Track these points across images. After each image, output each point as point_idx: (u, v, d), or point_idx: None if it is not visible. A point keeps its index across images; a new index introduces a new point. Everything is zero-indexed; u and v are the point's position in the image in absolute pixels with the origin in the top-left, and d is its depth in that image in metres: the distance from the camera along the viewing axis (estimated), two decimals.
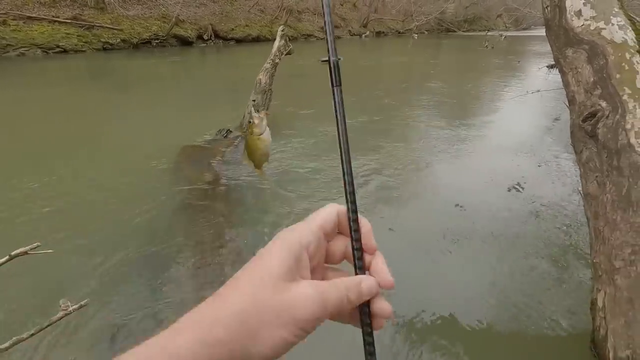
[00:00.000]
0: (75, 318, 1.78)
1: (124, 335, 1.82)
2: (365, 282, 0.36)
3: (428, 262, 2.42)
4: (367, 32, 24.27)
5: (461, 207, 3.04)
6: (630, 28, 1.78)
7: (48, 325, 1.25)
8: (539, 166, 3.94)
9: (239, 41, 17.52)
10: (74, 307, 1.27)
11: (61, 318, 1.26)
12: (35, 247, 0.93)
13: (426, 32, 27.65)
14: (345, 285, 0.35)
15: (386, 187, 3.43)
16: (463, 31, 30.21)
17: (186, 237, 2.62)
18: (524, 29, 27.07)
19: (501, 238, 2.64)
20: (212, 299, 0.32)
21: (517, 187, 3.43)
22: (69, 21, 13.06)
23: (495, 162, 4.10)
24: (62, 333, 1.78)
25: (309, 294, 0.32)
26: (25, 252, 0.92)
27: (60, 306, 1.26)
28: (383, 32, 26.04)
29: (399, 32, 26.67)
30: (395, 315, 1.94)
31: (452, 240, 2.61)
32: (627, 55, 1.71)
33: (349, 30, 23.27)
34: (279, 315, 0.31)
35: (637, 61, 1.70)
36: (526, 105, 6.46)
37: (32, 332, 1.23)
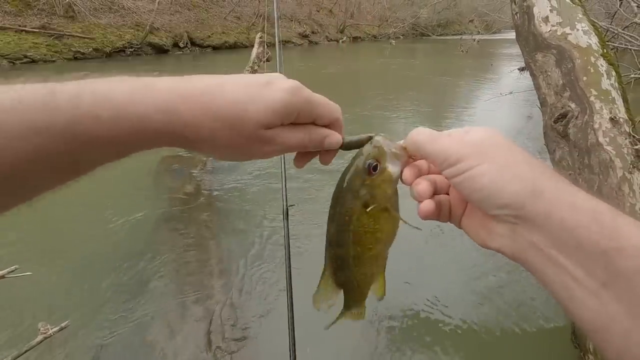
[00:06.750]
0: (57, 339, 1.70)
1: (108, 353, 1.77)
2: (330, 137, 0.42)
3: (412, 258, 2.46)
4: (344, 38, 24.56)
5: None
6: (593, 33, 1.88)
7: (27, 350, 1.20)
8: None
9: (215, 48, 17.33)
10: (55, 329, 1.22)
11: (41, 342, 1.21)
12: (13, 270, 0.89)
13: (401, 37, 28.27)
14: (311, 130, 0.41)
15: None
16: (437, 35, 31.00)
17: (169, 249, 2.57)
18: (494, 32, 28.09)
19: None
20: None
21: None
22: (37, 30, 12.58)
23: None
24: (44, 357, 1.71)
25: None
26: (3, 276, 0.89)
27: (39, 329, 1.21)
28: (360, 37, 26.40)
29: (375, 37, 27.15)
30: (382, 309, 1.96)
31: (435, 237, 2.66)
32: (592, 59, 1.80)
33: (326, 36, 23.46)
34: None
35: (601, 64, 1.79)
36: (500, 106, 6.69)
37: (10, 358, 1.18)
